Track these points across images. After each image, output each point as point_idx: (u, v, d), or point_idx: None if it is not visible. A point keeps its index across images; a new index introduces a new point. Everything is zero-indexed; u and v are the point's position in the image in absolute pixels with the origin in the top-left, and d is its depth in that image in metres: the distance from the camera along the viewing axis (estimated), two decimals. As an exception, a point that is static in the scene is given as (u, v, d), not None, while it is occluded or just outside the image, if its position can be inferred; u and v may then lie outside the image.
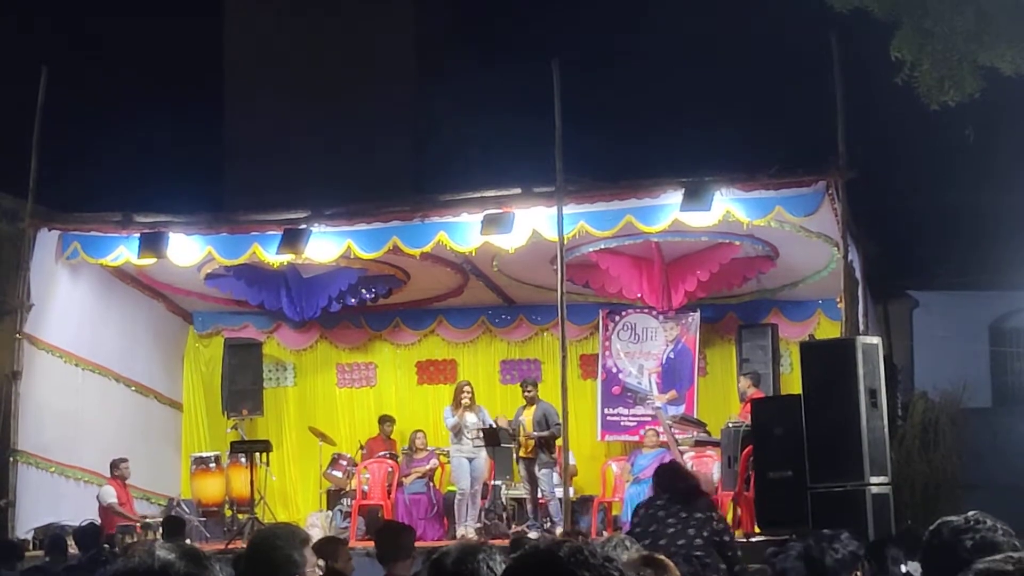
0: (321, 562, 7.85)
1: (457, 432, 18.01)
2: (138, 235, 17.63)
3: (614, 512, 18.80)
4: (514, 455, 18.66)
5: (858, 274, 16.38)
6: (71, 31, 26.66)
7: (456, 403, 18.18)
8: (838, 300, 16.27)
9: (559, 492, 17.49)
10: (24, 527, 17.28)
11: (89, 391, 19.31)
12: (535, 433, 17.80)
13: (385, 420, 20.76)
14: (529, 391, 18.36)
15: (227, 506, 19.66)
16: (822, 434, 13.78)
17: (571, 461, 18.77)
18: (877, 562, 8.52)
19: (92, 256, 18.26)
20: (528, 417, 18.04)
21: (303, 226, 17.21)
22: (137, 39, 27.77)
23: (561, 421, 17.26)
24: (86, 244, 18.18)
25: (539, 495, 18.10)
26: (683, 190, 15.93)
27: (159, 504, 19.97)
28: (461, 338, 22.02)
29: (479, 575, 3.72)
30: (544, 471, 17.76)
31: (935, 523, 5.31)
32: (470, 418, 18.04)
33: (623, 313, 20.69)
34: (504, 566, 3.68)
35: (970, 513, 5.39)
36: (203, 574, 3.47)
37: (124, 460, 18.77)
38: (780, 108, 24.11)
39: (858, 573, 6.39)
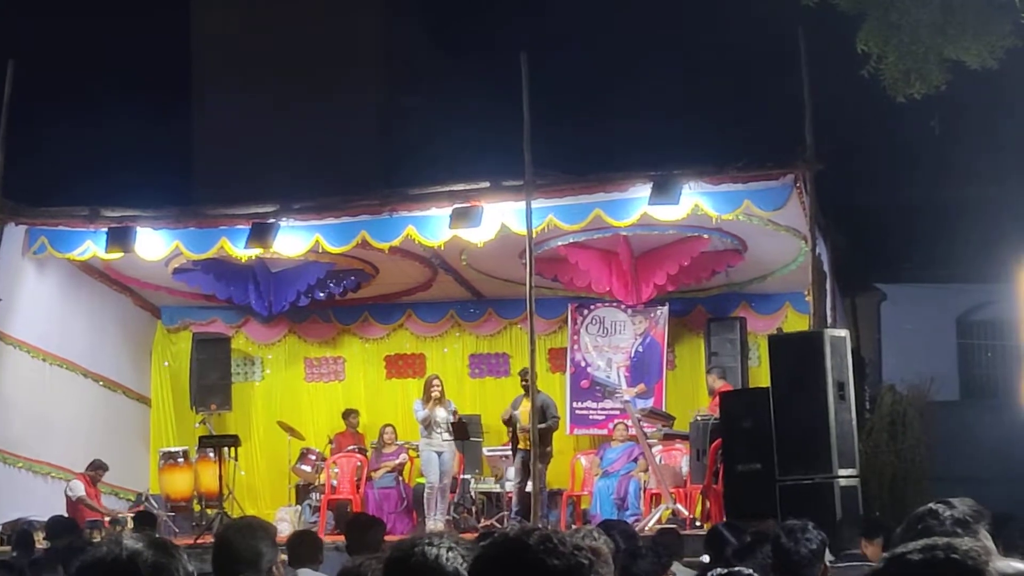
0: (284, 556, 7.84)
1: (427, 425, 17.97)
2: (105, 229, 17.53)
3: (583, 506, 18.82)
4: (483, 449, 18.66)
5: (826, 267, 16.44)
6: (37, 24, 26.52)
7: (426, 396, 18.15)
8: (806, 293, 16.31)
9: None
10: (-9, 522, 17.22)
11: (57, 386, 19.25)
12: (536, 425, 17.66)
13: (350, 413, 20.74)
14: (526, 382, 18.19)
15: (195, 501, 19.66)
16: (790, 427, 13.84)
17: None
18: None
19: (59, 251, 18.17)
20: (524, 409, 17.86)
21: (271, 220, 17.16)
22: (105, 32, 27.65)
23: (552, 416, 17.35)
24: (53, 239, 18.08)
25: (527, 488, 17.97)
26: (651, 184, 15.95)
27: (127, 499, 19.92)
28: (430, 332, 22.02)
29: (411, 559, 3.78)
30: (539, 466, 17.52)
31: (908, 519, 5.34)
32: (440, 412, 18.01)
33: (592, 307, 20.73)
34: (449, 548, 3.75)
35: (932, 505, 5.42)
36: (171, 563, 3.47)
37: (104, 467, 18.79)
38: (748, 101, 24.17)
39: (826, 563, 6.43)
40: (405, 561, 3.85)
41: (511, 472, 18.17)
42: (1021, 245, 20.16)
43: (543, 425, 17.42)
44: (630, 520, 15.57)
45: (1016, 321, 20.88)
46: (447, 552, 3.75)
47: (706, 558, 10.08)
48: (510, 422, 18.21)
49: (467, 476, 19.34)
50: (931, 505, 5.29)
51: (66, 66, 26.50)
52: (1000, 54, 11.76)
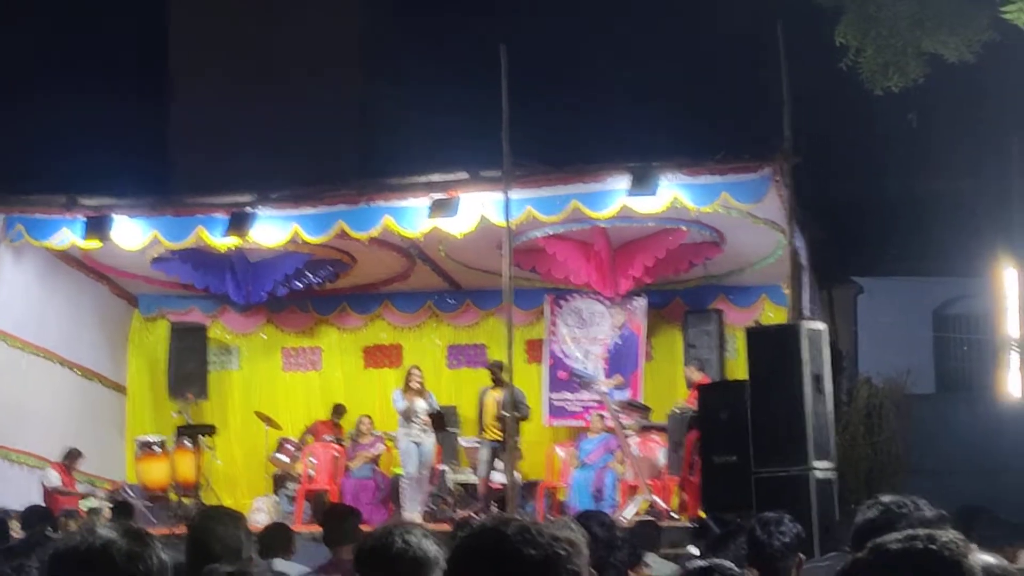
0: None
1: (407, 416, 17.98)
2: (83, 218, 17.50)
3: (560, 497, 18.83)
4: (458, 438, 18.73)
5: (804, 260, 16.45)
6: (13, 10, 26.40)
7: (406, 387, 18.17)
8: (783, 286, 16.36)
9: (517, 477, 17.44)
10: (-34, 511, 17.16)
11: (33, 375, 19.21)
12: (505, 413, 17.71)
13: (338, 411, 20.68)
14: (495, 373, 18.27)
15: (172, 490, 19.61)
16: (767, 419, 13.85)
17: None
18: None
19: (36, 239, 18.11)
20: (496, 398, 17.94)
21: (249, 210, 17.14)
22: (83, 18, 27.56)
23: (524, 405, 17.36)
24: (30, 226, 18.02)
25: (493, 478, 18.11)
26: (630, 175, 15.94)
27: (104, 488, 19.88)
28: (407, 322, 22.00)
29: (393, 548, 3.84)
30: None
31: (860, 512, 5.36)
32: (420, 403, 18.03)
33: (569, 298, 20.73)
34: (423, 540, 3.78)
35: (886, 499, 5.44)
36: (145, 552, 3.47)
37: (80, 455, 18.79)
38: (726, 94, 24.18)
39: (801, 555, 6.44)
40: (385, 551, 3.87)
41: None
42: (997, 239, 20.26)
43: (516, 415, 17.44)
44: (607, 512, 15.59)
45: (991, 314, 20.97)
46: (424, 539, 3.78)
47: (694, 550, 10.13)
48: (480, 413, 18.27)
49: (444, 467, 19.35)
50: (894, 499, 5.33)
51: (43, 53, 26.41)
52: (977, 47, 11.80)
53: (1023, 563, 8.41)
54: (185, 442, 19.41)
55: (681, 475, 16.63)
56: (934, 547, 3.09)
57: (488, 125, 16.29)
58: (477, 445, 18.66)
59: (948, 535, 3.14)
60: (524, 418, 17.97)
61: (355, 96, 29.90)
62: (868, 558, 3.17)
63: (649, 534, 11.21)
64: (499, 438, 17.74)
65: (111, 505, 17.41)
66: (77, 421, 19.97)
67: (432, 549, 4.07)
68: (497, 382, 18.11)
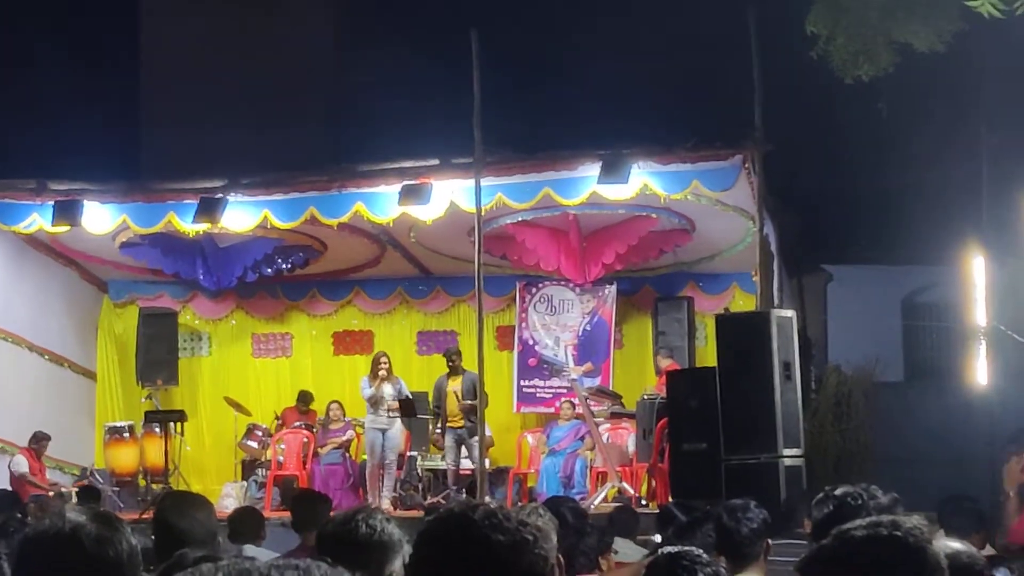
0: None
1: (374, 403, 17.98)
2: (52, 203, 17.40)
3: (529, 484, 18.86)
4: (430, 426, 18.75)
5: (773, 248, 16.49)
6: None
7: (373, 374, 18.15)
8: (753, 273, 16.37)
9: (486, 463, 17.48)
10: (-66, 497, 17.10)
11: (1, 360, 19.13)
12: (468, 402, 17.73)
13: (304, 398, 20.64)
14: (454, 361, 18.33)
15: (141, 476, 19.59)
16: (736, 406, 13.90)
17: (487, 432, 18.82)
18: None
19: (5, 223, 18.01)
20: (455, 387, 18.01)
21: (219, 195, 17.06)
22: (54, 4, 27.42)
23: (481, 393, 17.34)
24: (-1, 211, 17.97)
25: (460, 465, 18.16)
26: (600, 163, 15.94)
27: (72, 473, 19.84)
28: (378, 309, 21.99)
29: (358, 533, 3.86)
30: (475, 440, 17.57)
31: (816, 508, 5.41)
32: (387, 389, 18.02)
33: (540, 285, 20.75)
34: (386, 524, 3.80)
35: (838, 491, 5.49)
36: (114, 536, 3.47)
37: (47, 438, 18.71)
38: (698, 82, 24.18)
39: (768, 541, 6.47)
40: (349, 536, 3.88)
41: (475, 450, 18.19)
42: (965, 228, 20.32)
43: (475, 401, 17.45)
44: (576, 498, 15.61)
45: (960, 303, 21.03)
46: (387, 523, 3.80)
47: (658, 537, 10.14)
48: (438, 403, 18.29)
49: (413, 453, 19.35)
50: (846, 490, 5.38)
51: (11, 36, 26.26)
52: (947, 37, 11.82)
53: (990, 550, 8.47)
54: (154, 428, 19.38)
55: (650, 462, 16.66)
56: (898, 533, 3.11)
57: (460, 112, 16.27)
58: (439, 434, 18.71)
59: (912, 521, 3.16)
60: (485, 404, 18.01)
61: (327, 82, 29.81)
62: (833, 545, 3.20)
63: (627, 520, 11.22)
64: (461, 425, 17.87)
65: (77, 490, 17.40)
66: (45, 406, 19.90)
67: (396, 533, 4.09)
68: (454, 370, 18.20)
